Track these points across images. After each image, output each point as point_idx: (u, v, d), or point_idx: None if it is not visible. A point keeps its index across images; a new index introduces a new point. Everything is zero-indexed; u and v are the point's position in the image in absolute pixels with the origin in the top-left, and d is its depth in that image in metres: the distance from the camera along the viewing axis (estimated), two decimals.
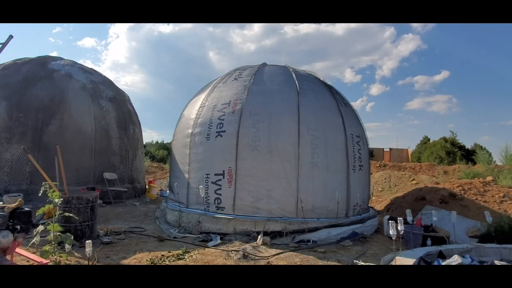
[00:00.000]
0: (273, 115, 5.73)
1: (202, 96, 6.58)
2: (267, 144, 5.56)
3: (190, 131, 6.25)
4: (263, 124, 5.65)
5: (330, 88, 6.72)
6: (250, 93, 5.96)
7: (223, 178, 5.59)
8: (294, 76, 6.43)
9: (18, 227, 3.06)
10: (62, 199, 3.96)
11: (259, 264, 4.23)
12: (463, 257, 4.07)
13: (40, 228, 3.42)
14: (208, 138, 5.87)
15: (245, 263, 4.21)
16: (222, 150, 5.70)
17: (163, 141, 32.96)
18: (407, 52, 70.35)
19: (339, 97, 6.68)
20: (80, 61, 10.01)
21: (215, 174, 5.66)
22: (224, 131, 5.75)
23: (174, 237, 5.40)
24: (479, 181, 7.51)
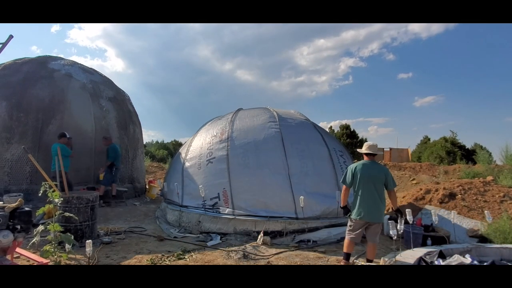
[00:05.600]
0: (257, 136, 6.25)
1: (191, 138, 7.40)
2: (257, 161, 5.90)
3: (181, 166, 6.69)
4: (250, 145, 6.12)
5: (304, 115, 7.50)
6: (234, 125, 6.67)
7: (219, 200, 5.75)
8: (270, 109, 7.27)
9: (18, 227, 3.06)
10: (62, 199, 3.96)
11: (259, 264, 4.23)
12: (463, 257, 4.07)
13: (40, 228, 3.42)
14: (199, 168, 6.28)
15: (245, 263, 4.21)
16: (214, 174, 6.00)
17: (163, 141, 32.99)
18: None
19: (313, 122, 7.36)
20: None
21: (211, 198, 5.82)
22: (214, 158, 6.22)
23: (174, 237, 5.40)
24: (479, 181, 7.50)
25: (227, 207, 5.64)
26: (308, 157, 6.01)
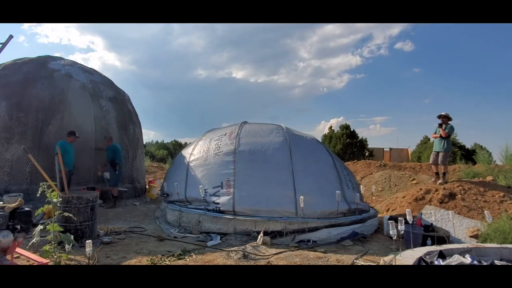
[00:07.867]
0: (265, 141, 6.46)
1: (196, 139, 7.64)
2: (262, 157, 6.15)
3: (186, 160, 6.91)
4: (258, 147, 6.36)
5: (315, 138, 7.62)
6: (243, 129, 6.91)
7: (222, 188, 5.84)
8: (278, 123, 7.51)
9: (18, 227, 3.07)
10: (61, 198, 3.96)
11: (259, 264, 4.23)
12: (463, 257, 4.07)
13: (40, 228, 3.42)
14: (206, 160, 6.50)
15: (245, 263, 4.21)
16: (220, 165, 6.16)
17: (163, 141, 33.03)
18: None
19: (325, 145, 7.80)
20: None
21: (213, 187, 5.92)
22: (222, 151, 6.41)
23: (174, 237, 5.40)
24: (479, 181, 7.51)
25: (228, 195, 5.68)
26: (314, 175, 6.09)
